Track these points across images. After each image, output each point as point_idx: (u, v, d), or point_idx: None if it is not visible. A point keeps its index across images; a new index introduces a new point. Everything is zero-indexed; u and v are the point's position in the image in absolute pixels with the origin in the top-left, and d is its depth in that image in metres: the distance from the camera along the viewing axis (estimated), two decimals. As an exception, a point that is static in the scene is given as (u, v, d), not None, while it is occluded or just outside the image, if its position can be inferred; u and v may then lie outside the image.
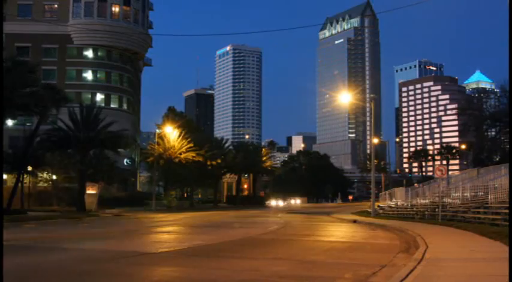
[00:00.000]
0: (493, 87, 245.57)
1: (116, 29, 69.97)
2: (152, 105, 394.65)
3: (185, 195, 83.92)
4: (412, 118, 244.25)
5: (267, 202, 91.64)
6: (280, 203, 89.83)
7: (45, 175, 49.33)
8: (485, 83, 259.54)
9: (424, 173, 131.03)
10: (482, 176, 27.44)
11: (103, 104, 67.71)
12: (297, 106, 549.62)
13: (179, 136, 65.87)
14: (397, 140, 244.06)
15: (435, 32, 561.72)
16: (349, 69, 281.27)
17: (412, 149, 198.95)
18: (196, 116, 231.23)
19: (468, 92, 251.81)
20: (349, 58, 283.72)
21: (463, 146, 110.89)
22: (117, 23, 70.48)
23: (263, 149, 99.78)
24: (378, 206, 45.38)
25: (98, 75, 71.14)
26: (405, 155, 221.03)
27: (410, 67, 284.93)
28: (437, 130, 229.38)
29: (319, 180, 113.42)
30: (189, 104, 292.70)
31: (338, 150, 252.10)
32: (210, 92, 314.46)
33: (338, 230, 23.56)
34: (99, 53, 71.38)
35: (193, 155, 64.99)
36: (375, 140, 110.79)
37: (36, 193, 49.74)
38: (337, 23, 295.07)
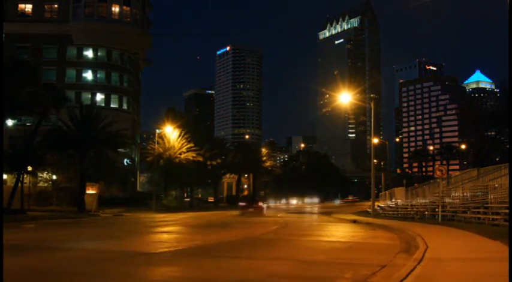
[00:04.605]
0: (493, 87, 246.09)
1: (116, 29, 69.93)
2: (152, 105, 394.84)
3: (185, 195, 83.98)
4: (412, 118, 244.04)
5: (267, 202, 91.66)
6: (281, 203, 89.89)
7: (45, 175, 49.33)
8: (485, 83, 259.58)
9: (424, 173, 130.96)
10: (482, 176, 27.46)
11: (103, 104, 67.75)
12: (297, 106, 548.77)
13: (179, 136, 65.91)
14: (397, 140, 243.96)
15: (435, 32, 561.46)
16: (349, 69, 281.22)
17: (412, 149, 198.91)
18: (196, 116, 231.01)
19: (468, 92, 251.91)
20: (349, 58, 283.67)
21: (463, 146, 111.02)
22: (117, 23, 70.45)
23: (263, 149, 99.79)
24: (378, 206, 45.40)
25: (98, 75, 71.11)
26: (405, 155, 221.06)
27: (410, 67, 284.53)
28: (437, 130, 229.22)
29: (319, 180, 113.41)
30: (189, 104, 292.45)
31: (338, 150, 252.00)
32: (210, 92, 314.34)
33: (338, 230, 23.55)
34: (99, 53, 71.36)
35: (193, 155, 65.02)
36: (375, 140, 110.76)
37: (36, 193, 49.71)
38: (337, 23, 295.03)
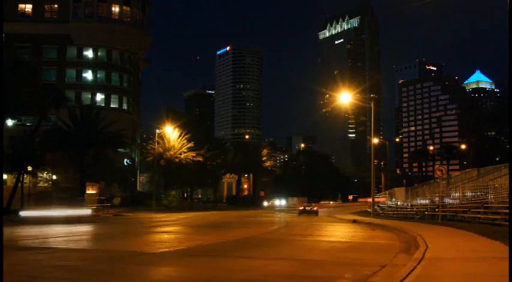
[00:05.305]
0: (493, 87, 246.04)
1: (116, 29, 69.91)
2: (152, 105, 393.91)
3: (185, 195, 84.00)
4: (412, 118, 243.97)
5: (267, 202, 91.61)
6: (281, 203, 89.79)
7: (45, 175, 49.34)
8: (485, 83, 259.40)
9: (424, 173, 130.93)
10: (482, 176, 27.41)
11: (103, 104, 67.72)
12: (297, 106, 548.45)
13: (179, 136, 65.89)
14: (397, 140, 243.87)
15: (435, 32, 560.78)
16: (349, 69, 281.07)
17: (412, 149, 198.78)
18: (196, 116, 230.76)
19: (468, 92, 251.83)
20: (349, 58, 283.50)
21: (463, 146, 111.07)
22: (117, 23, 70.44)
23: (263, 149, 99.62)
24: (378, 206, 45.38)
25: (98, 76, 71.07)
26: (405, 155, 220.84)
27: (410, 67, 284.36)
28: (437, 130, 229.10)
29: (319, 180, 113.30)
30: (189, 104, 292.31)
31: (338, 150, 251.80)
32: (210, 92, 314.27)
33: (338, 230, 23.55)
34: (99, 53, 71.33)
35: (194, 155, 64.99)
36: (375, 140, 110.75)
37: (36, 193, 49.71)
38: (337, 23, 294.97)
